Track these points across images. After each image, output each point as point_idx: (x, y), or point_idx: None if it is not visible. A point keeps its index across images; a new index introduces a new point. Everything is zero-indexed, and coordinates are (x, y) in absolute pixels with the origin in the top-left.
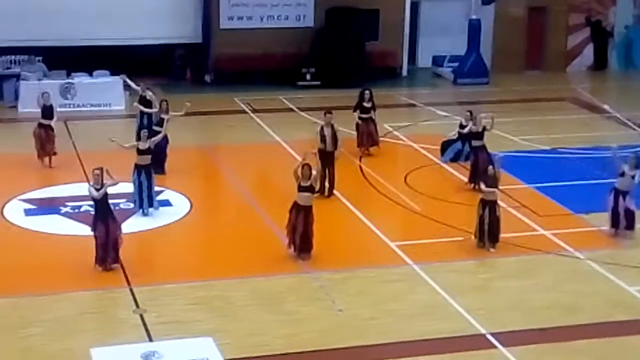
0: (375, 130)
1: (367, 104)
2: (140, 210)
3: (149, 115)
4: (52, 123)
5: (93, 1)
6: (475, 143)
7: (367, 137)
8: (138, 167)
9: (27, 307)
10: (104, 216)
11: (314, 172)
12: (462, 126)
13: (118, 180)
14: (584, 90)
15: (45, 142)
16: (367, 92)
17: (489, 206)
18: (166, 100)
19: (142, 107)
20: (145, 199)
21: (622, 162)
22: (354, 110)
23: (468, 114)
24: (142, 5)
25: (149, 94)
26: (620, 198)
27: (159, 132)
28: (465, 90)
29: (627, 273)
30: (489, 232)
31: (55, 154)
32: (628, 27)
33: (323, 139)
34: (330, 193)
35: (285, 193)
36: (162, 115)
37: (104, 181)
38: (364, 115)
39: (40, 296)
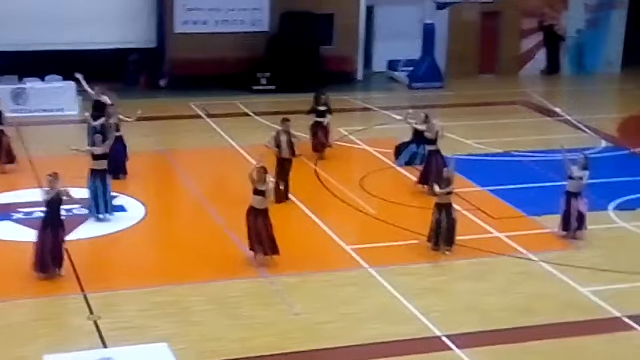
0: (326, 134)
1: (321, 108)
2: (96, 216)
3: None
4: (4, 128)
5: (45, 6)
6: (429, 148)
7: (321, 143)
8: (94, 172)
9: None
10: (53, 222)
11: (269, 180)
12: (415, 129)
13: (72, 196)
14: (536, 94)
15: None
16: (322, 96)
17: (445, 209)
18: (113, 104)
19: (90, 120)
20: (100, 204)
21: (571, 164)
22: (308, 114)
23: (423, 116)
24: (95, 10)
25: (103, 98)
26: (573, 200)
27: (119, 137)
28: (420, 95)
29: (579, 274)
30: (445, 235)
31: (11, 162)
32: (580, 31)
33: (278, 145)
34: (286, 198)
35: (241, 197)
36: (111, 121)
37: (60, 188)
38: (319, 120)
39: None
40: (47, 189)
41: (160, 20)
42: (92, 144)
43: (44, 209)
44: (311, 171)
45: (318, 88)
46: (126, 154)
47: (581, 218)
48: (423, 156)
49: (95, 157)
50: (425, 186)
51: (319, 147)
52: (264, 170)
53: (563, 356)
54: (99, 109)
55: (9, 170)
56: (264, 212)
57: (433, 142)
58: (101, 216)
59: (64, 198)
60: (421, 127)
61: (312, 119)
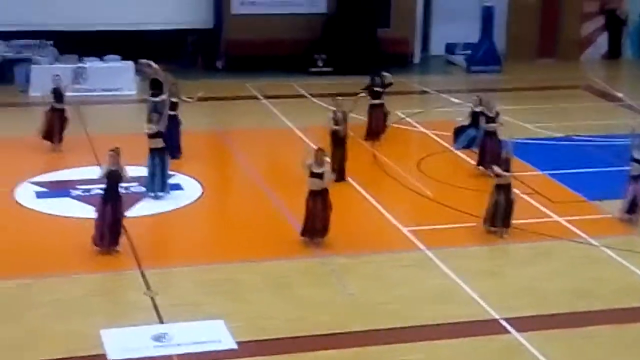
0: (384, 116)
1: (377, 88)
2: (152, 194)
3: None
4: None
5: None
6: (488, 127)
7: (376, 127)
8: (152, 151)
9: (36, 289)
10: (113, 197)
11: (326, 161)
12: (473, 112)
13: (129, 178)
14: (597, 78)
15: (53, 125)
16: (377, 77)
17: (504, 190)
18: (175, 84)
19: (149, 98)
20: (157, 183)
21: (636, 147)
22: (364, 90)
23: (477, 98)
24: None
25: (163, 76)
26: (635, 184)
27: (174, 116)
28: (478, 78)
29: None
30: (502, 216)
31: (61, 140)
32: None
33: (336, 122)
34: (343, 178)
35: (297, 177)
36: (173, 99)
37: (121, 165)
38: (374, 102)
39: (49, 277)
40: (107, 164)
41: (217, 1)
42: (150, 121)
43: (102, 185)
44: (368, 153)
45: (375, 70)
46: (179, 132)
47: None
48: (481, 140)
49: (151, 135)
50: (482, 167)
51: (376, 129)
52: (321, 152)
53: (622, 341)
54: (157, 87)
55: (65, 148)
56: (324, 193)
57: (492, 120)
58: (158, 194)
59: (124, 175)
60: (479, 109)
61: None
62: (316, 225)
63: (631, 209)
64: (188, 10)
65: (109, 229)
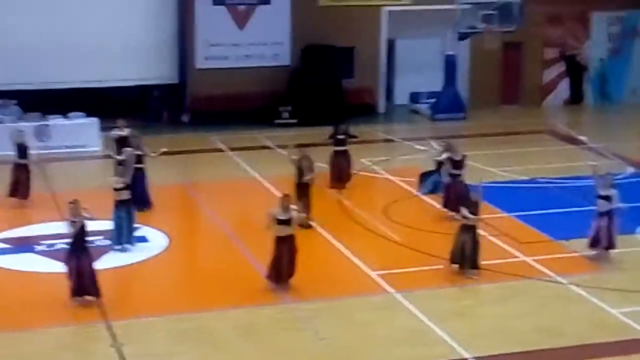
0: (348, 163)
1: (340, 136)
2: (118, 246)
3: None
4: (27, 162)
5: (68, 43)
6: (453, 172)
7: (340, 174)
8: (117, 203)
9: (2, 344)
10: (79, 249)
11: (292, 207)
12: (439, 161)
13: (93, 216)
14: (560, 123)
15: (19, 181)
16: (342, 126)
17: (470, 231)
18: (136, 136)
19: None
20: (123, 234)
21: (601, 183)
22: (330, 138)
23: (445, 144)
24: (118, 47)
25: (126, 132)
26: (602, 219)
27: (140, 170)
28: (443, 126)
29: (609, 296)
30: (470, 257)
31: (27, 195)
32: (603, 60)
33: (300, 169)
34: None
35: (264, 226)
36: (138, 152)
37: (84, 214)
38: (338, 148)
39: (16, 332)
40: (71, 219)
41: (181, 56)
42: (115, 174)
43: (68, 239)
44: (333, 199)
45: (340, 121)
46: (145, 185)
47: (609, 237)
48: (446, 183)
49: (117, 188)
50: (447, 210)
51: (340, 175)
52: (287, 198)
53: None
54: (122, 144)
55: (29, 205)
56: (290, 238)
57: (459, 166)
58: (124, 246)
59: (88, 223)
60: (443, 156)
61: (332, 149)
62: (282, 270)
63: (593, 243)
64: (152, 66)
65: (83, 281)
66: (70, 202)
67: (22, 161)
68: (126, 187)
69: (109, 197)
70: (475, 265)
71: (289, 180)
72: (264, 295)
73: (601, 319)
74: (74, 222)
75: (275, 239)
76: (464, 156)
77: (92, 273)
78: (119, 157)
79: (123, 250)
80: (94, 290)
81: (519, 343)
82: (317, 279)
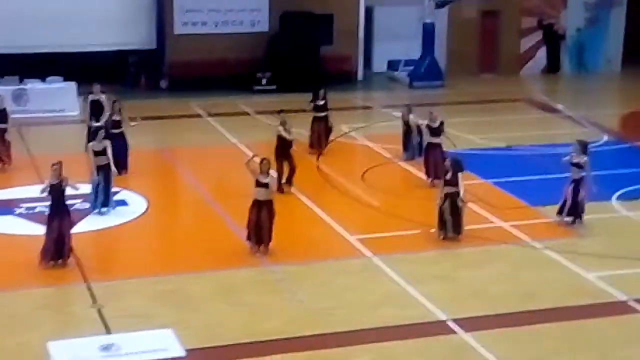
0: (326, 129)
1: (320, 102)
2: (96, 210)
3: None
4: (7, 127)
5: (46, 8)
6: (432, 140)
7: (319, 139)
8: (97, 168)
9: None
10: (59, 211)
11: (271, 172)
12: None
13: (79, 187)
14: (537, 92)
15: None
16: (321, 90)
17: (450, 198)
18: (116, 100)
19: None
20: (100, 198)
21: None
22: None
23: (406, 108)
24: (95, 12)
25: (102, 97)
26: (572, 186)
27: (116, 135)
28: (421, 93)
29: (584, 260)
30: (452, 223)
31: (6, 161)
32: (580, 29)
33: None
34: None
35: (242, 191)
36: (115, 117)
37: (64, 181)
38: (318, 114)
39: None
40: (52, 181)
41: (159, 22)
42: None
43: (47, 201)
44: (312, 165)
45: (318, 88)
46: (127, 150)
47: (576, 205)
48: (425, 151)
49: (96, 153)
50: (433, 180)
51: (319, 141)
52: (267, 162)
53: (569, 338)
54: (97, 109)
55: (8, 168)
56: (269, 204)
57: (437, 132)
58: (102, 210)
59: (67, 187)
60: (431, 124)
61: (312, 115)
62: (261, 233)
63: (561, 210)
64: (130, 31)
65: (54, 244)
66: (53, 164)
67: (2, 126)
68: (104, 152)
69: (87, 161)
70: (459, 231)
71: (267, 146)
72: (242, 258)
73: (576, 283)
74: (53, 184)
75: (253, 202)
76: (442, 122)
77: (63, 237)
78: (94, 124)
79: (101, 214)
80: (66, 252)
81: (495, 306)
82: (296, 243)
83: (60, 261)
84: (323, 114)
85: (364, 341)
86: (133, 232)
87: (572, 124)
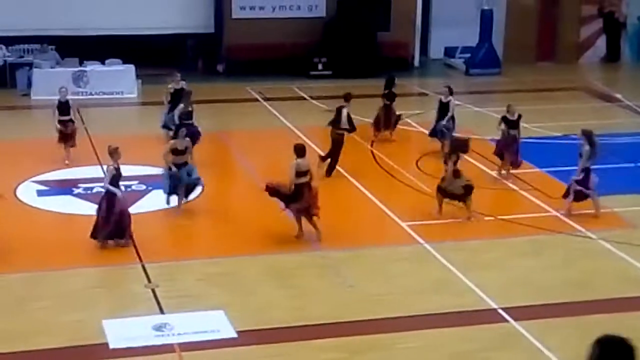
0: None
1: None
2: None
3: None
4: (71, 117)
5: None
6: (510, 132)
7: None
8: (177, 166)
9: (38, 282)
10: (113, 194)
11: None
12: (441, 102)
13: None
14: (596, 80)
15: (65, 136)
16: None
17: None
18: (190, 92)
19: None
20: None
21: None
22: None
23: (446, 89)
24: None
25: (184, 85)
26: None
27: (188, 126)
28: (477, 81)
29: (638, 252)
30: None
31: (73, 145)
32: None
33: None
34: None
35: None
36: (188, 108)
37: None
38: (387, 102)
39: (52, 271)
40: (111, 164)
41: (217, 6)
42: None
43: (103, 183)
44: (366, 151)
45: (374, 73)
46: (196, 142)
47: (578, 194)
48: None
49: (177, 152)
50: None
51: (386, 126)
52: (300, 147)
53: (620, 330)
54: (177, 98)
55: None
56: (308, 185)
57: (515, 125)
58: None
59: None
60: (509, 116)
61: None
62: (305, 202)
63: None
64: (189, 15)
65: (113, 225)
66: (112, 147)
67: (65, 118)
68: (184, 151)
69: (144, 143)
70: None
71: (323, 130)
72: (294, 243)
73: (629, 274)
74: (113, 167)
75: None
76: (520, 115)
77: (120, 219)
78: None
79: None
80: (126, 234)
81: (546, 295)
82: (348, 228)
83: (123, 241)
84: (387, 101)
85: (414, 328)
86: (187, 215)
87: (631, 114)
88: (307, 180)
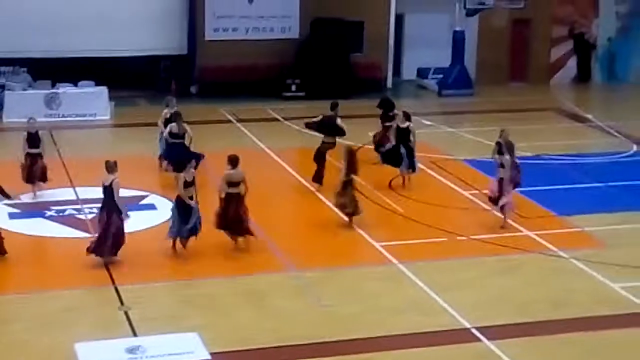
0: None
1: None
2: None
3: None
4: (40, 151)
5: (78, 13)
6: (501, 159)
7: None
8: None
9: (10, 305)
10: (110, 208)
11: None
12: (399, 127)
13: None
14: (567, 101)
15: (31, 172)
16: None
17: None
18: (178, 114)
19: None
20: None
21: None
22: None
23: (401, 114)
24: (128, 17)
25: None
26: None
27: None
28: (450, 101)
29: (610, 271)
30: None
31: (45, 180)
32: (611, 39)
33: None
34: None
35: (269, 197)
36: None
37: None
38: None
39: (24, 294)
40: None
41: (190, 28)
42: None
43: (75, 207)
44: (338, 172)
45: (348, 95)
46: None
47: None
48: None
49: (186, 184)
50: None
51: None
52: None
53: (594, 348)
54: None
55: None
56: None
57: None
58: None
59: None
60: (404, 125)
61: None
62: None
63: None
64: (162, 37)
65: (112, 238)
66: (111, 162)
67: (34, 151)
68: (193, 182)
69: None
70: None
71: (295, 151)
72: (268, 263)
73: (602, 293)
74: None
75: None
76: (512, 144)
77: (119, 232)
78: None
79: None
80: (115, 250)
81: (520, 314)
82: (322, 248)
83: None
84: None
85: (389, 347)
86: (161, 236)
87: (601, 134)
88: (237, 192)
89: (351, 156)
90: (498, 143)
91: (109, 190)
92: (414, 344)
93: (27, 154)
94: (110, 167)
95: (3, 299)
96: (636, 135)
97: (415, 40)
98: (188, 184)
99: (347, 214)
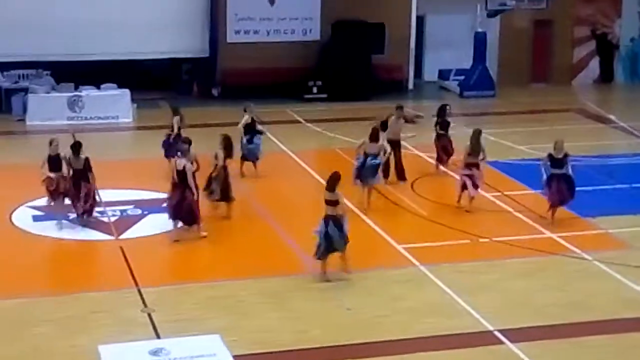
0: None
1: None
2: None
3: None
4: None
5: (101, 16)
6: (554, 171)
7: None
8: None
9: (35, 308)
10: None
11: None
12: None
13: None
14: (589, 102)
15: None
16: (448, 106)
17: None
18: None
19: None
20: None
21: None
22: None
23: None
24: (150, 20)
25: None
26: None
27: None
28: (472, 103)
29: (635, 273)
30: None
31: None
32: (634, 39)
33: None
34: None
35: (291, 199)
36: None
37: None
38: (442, 131)
39: (48, 297)
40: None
41: (212, 30)
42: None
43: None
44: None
45: (369, 97)
46: None
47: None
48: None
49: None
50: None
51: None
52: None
53: (617, 351)
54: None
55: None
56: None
57: (559, 162)
58: None
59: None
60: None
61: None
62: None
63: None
64: (184, 39)
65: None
66: (184, 142)
67: (56, 175)
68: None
69: (139, 168)
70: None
71: (317, 154)
72: (291, 265)
73: (625, 295)
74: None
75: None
76: (567, 154)
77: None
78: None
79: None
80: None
81: (543, 317)
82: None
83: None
84: (441, 130)
85: (411, 350)
86: (184, 239)
87: (624, 135)
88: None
89: (227, 141)
90: (549, 155)
91: (181, 175)
92: (437, 346)
93: (48, 178)
94: (184, 150)
95: (27, 302)
96: None
97: (437, 41)
98: None
99: (214, 201)
